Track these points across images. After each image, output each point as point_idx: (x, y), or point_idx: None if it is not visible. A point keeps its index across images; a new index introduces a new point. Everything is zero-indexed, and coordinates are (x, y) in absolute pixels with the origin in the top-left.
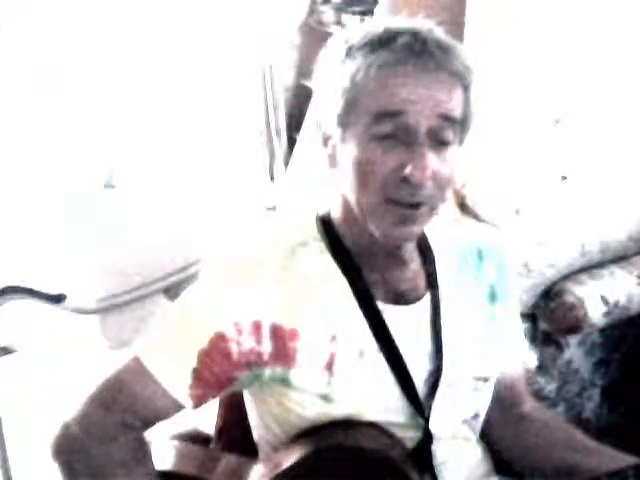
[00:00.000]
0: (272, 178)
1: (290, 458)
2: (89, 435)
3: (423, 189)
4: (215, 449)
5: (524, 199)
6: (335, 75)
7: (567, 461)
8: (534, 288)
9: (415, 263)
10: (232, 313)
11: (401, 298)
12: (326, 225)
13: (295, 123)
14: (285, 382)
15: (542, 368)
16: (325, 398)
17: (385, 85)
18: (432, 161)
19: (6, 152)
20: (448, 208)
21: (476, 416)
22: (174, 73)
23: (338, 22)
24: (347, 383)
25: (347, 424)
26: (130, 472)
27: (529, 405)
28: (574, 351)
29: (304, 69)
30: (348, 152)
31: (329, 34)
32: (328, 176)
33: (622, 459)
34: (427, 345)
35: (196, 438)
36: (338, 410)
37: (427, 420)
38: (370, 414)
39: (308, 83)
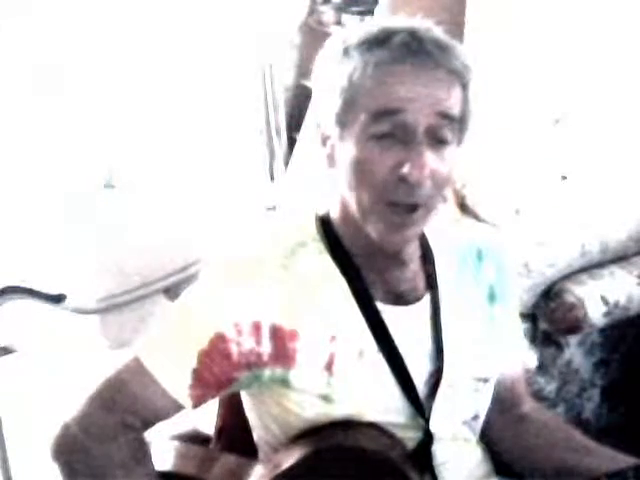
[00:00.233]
0: (272, 178)
1: (290, 458)
2: (89, 435)
3: (421, 188)
4: (215, 449)
5: (524, 199)
6: (333, 74)
7: (567, 462)
8: (534, 288)
9: (414, 263)
10: (232, 313)
11: (400, 298)
12: (325, 225)
13: (295, 123)
14: (285, 383)
15: (542, 368)
16: (325, 398)
17: (383, 84)
18: (430, 159)
19: (6, 152)
20: (448, 208)
21: (476, 417)
22: (174, 73)
23: (338, 22)
24: (347, 383)
25: (347, 424)
26: (130, 472)
27: (529, 406)
28: (574, 351)
29: (304, 69)
30: (346, 151)
31: (329, 34)
32: (327, 176)
33: (622, 459)
34: (427, 346)
35: (196, 438)
36: (338, 410)
37: (427, 421)
38: (370, 414)
39: (308, 83)
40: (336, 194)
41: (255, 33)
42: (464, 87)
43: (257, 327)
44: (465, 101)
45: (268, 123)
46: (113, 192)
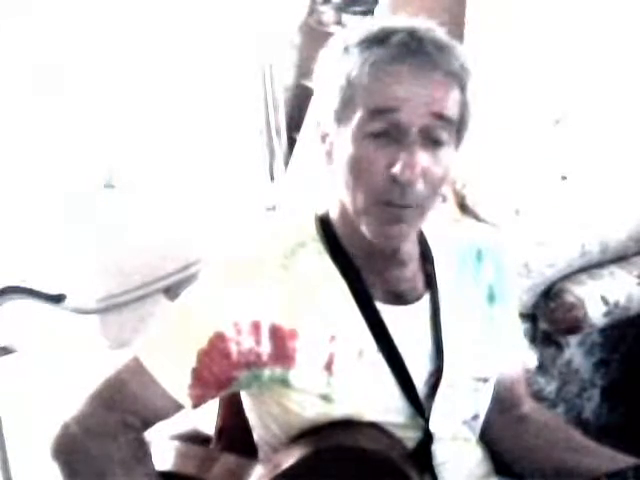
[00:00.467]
0: (272, 178)
1: (290, 458)
2: (89, 435)
3: (413, 188)
4: (215, 449)
5: (524, 199)
6: (333, 72)
7: (567, 462)
8: (534, 288)
9: (414, 263)
10: (231, 313)
11: (400, 298)
12: (325, 225)
13: (295, 123)
14: (285, 382)
15: (542, 368)
16: (325, 398)
17: (380, 82)
18: (422, 159)
19: (6, 152)
20: (448, 208)
21: (476, 417)
22: (174, 73)
23: (338, 22)
24: (346, 383)
25: (347, 424)
26: (130, 472)
27: (529, 406)
28: (574, 351)
29: (304, 69)
30: (343, 149)
31: (329, 34)
32: (326, 175)
33: (622, 459)
34: (427, 345)
35: (196, 438)
36: (338, 410)
37: (427, 420)
38: (370, 414)
39: (308, 83)
40: (335, 193)
41: (255, 33)
42: (462, 89)
43: (256, 327)
44: (463, 103)
45: (268, 123)
46: (113, 192)
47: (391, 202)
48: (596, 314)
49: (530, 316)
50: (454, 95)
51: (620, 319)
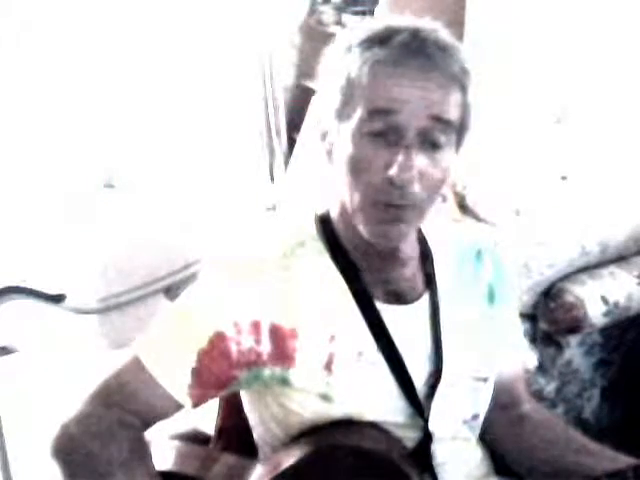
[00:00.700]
0: (272, 178)
1: (290, 458)
2: (89, 435)
3: (410, 190)
4: (215, 449)
5: (524, 199)
6: (335, 70)
7: (566, 461)
8: (534, 288)
9: (413, 263)
10: (231, 313)
11: (400, 298)
12: (325, 225)
13: (295, 123)
14: (285, 382)
15: (542, 368)
16: (324, 398)
17: (380, 83)
18: (419, 162)
19: (6, 152)
20: (448, 208)
21: (476, 416)
22: (174, 73)
23: (338, 22)
24: (346, 383)
25: (347, 424)
26: (130, 471)
27: (528, 406)
28: (574, 351)
29: (304, 69)
30: (343, 148)
31: (329, 34)
32: (326, 173)
33: (622, 459)
34: (426, 345)
35: (196, 438)
36: (337, 410)
37: (427, 420)
38: (370, 414)
39: (308, 83)
40: (335, 193)
41: (255, 33)
42: (463, 91)
43: (256, 326)
44: (464, 106)
45: (268, 123)
46: (113, 192)
47: (389, 202)
48: (596, 314)
49: (530, 316)
50: (454, 97)
51: (620, 319)
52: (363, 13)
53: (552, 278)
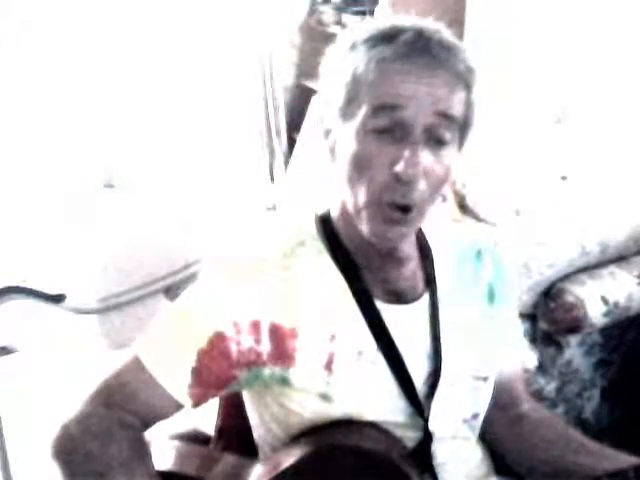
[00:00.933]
0: (272, 178)
1: (290, 458)
2: (89, 435)
3: (415, 187)
4: (215, 449)
5: (524, 199)
6: (339, 68)
7: (566, 461)
8: (534, 288)
9: (413, 263)
10: (231, 312)
11: (400, 297)
12: (325, 225)
13: (295, 123)
14: (285, 382)
15: (542, 368)
16: (324, 397)
17: (385, 79)
18: (425, 158)
19: (6, 152)
20: (448, 208)
21: (476, 416)
22: (174, 73)
23: (338, 22)
24: (346, 382)
25: (347, 424)
26: (130, 471)
27: (527, 405)
28: (574, 351)
29: (304, 69)
30: (347, 145)
31: (329, 34)
32: (328, 172)
33: (622, 459)
34: (426, 344)
35: (196, 438)
36: (338, 410)
37: (427, 420)
38: (370, 414)
39: (308, 83)
40: (336, 192)
41: (255, 33)
42: (468, 89)
43: (256, 326)
44: (468, 104)
45: (268, 123)
46: (113, 192)
47: (392, 202)
48: (596, 314)
49: (530, 316)
50: (459, 95)
51: (620, 319)
52: (363, 13)
53: (552, 278)
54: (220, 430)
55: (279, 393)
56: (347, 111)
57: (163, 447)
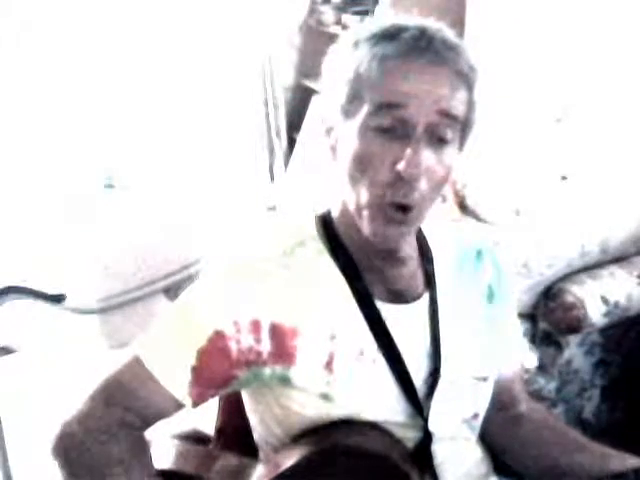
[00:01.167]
0: (272, 178)
1: (290, 458)
2: (89, 434)
3: (416, 186)
4: (215, 449)
5: (524, 199)
6: (341, 65)
7: (565, 461)
8: (534, 288)
9: (413, 262)
10: (231, 312)
11: (400, 297)
12: (325, 225)
13: (295, 123)
14: (285, 381)
15: (542, 368)
16: (325, 397)
17: (388, 77)
18: (426, 157)
19: (6, 153)
20: (448, 208)
21: (476, 416)
22: (174, 73)
23: (338, 22)
24: (346, 382)
25: (347, 424)
26: (130, 471)
27: (526, 405)
28: (574, 351)
29: (304, 69)
30: (348, 143)
31: (329, 34)
32: (329, 171)
33: (621, 459)
34: (426, 344)
35: (196, 438)
36: (338, 410)
37: (427, 420)
38: (370, 414)
39: (308, 83)
40: (337, 191)
41: (255, 33)
42: (470, 89)
43: (256, 325)
44: (470, 103)
45: (268, 123)
46: (113, 192)
47: (393, 202)
48: (596, 314)
49: (530, 316)
50: (461, 94)
51: (620, 319)
52: (363, 13)
53: (552, 278)
54: (220, 430)
55: (279, 393)
56: (349, 109)
57: (163, 446)
